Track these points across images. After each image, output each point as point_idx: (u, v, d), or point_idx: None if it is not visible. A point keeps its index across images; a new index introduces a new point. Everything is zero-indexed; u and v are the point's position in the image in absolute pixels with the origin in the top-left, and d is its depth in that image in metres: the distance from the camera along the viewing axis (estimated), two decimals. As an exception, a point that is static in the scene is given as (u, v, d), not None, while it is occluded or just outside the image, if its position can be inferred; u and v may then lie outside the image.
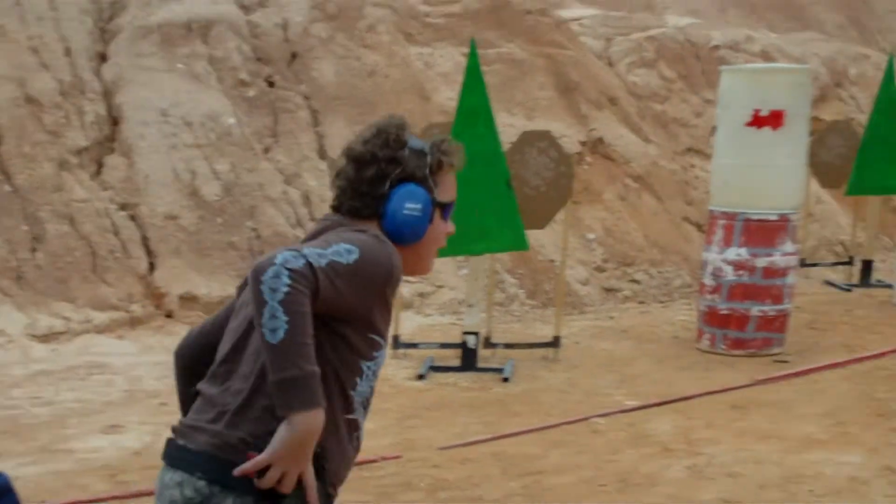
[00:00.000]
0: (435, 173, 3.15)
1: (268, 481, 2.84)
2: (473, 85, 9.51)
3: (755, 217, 10.10)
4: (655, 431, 8.18)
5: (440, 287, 12.15)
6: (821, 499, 6.86)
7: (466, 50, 9.91)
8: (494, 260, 10.92)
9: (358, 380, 3.05)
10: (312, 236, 3.11)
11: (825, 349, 10.52)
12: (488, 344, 10.13)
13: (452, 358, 9.89)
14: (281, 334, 2.76)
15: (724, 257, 10.17)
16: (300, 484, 2.88)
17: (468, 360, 9.73)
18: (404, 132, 3.14)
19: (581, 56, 15.75)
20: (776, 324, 10.18)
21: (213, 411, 3.00)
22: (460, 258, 11.46)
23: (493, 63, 14.43)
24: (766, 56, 17.22)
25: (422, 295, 12.01)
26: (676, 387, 9.16)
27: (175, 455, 3.01)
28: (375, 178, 3.09)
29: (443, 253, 9.73)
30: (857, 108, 16.75)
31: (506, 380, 9.47)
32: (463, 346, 9.78)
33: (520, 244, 9.76)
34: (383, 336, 3.07)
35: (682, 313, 12.19)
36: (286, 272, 2.77)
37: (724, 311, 10.18)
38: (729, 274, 10.14)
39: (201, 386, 3.09)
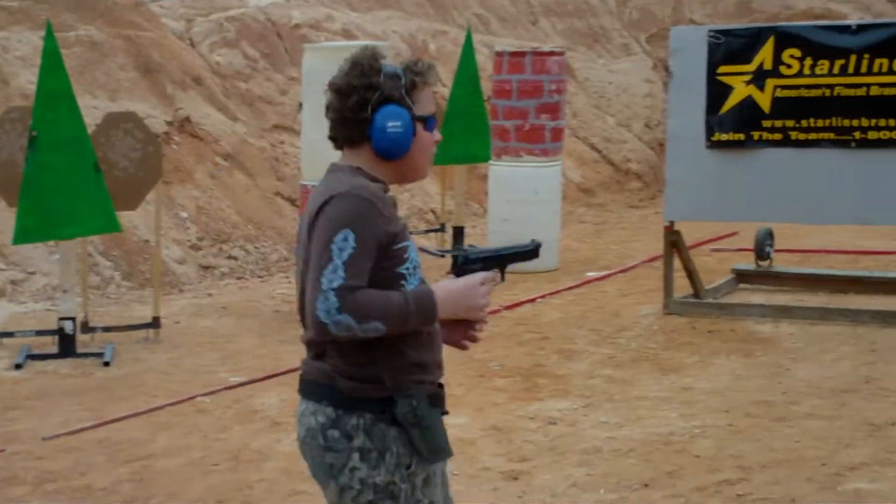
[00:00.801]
0: (411, 92, 3.52)
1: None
2: (52, 68, 9.29)
3: (348, 189, 10.14)
4: (263, 406, 8.11)
5: (32, 273, 11.68)
6: (432, 459, 6.94)
7: (43, 33, 9.58)
8: (87, 243, 10.58)
9: (404, 283, 3.50)
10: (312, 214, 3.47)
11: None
12: (86, 329, 9.79)
13: (50, 345, 9.48)
14: (385, 328, 3.36)
15: (320, 229, 10.16)
16: (412, 415, 3.44)
17: (67, 347, 9.39)
18: (377, 60, 3.52)
19: (162, 37, 15.47)
20: (376, 293, 10.24)
21: (312, 351, 3.58)
22: (51, 243, 11.03)
23: (72, 46, 13.98)
24: (347, 34, 17.37)
25: (14, 282, 11.52)
26: (282, 361, 9.09)
27: (303, 388, 3.60)
28: (357, 105, 3.49)
29: (29, 238, 9.38)
30: (439, 82, 17.12)
31: (107, 364, 9.20)
32: (60, 332, 9.41)
33: (111, 226, 9.58)
34: (402, 237, 3.52)
35: (282, 287, 12.12)
36: (336, 313, 3.33)
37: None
38: (326, 246, 10.13)
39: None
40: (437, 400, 3.59)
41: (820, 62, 10.10)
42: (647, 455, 6.96)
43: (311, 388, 3.57)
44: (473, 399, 8.15)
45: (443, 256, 12.59)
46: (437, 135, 3.63)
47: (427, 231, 14.09)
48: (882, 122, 9.92)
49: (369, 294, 3.36)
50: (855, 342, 9.34)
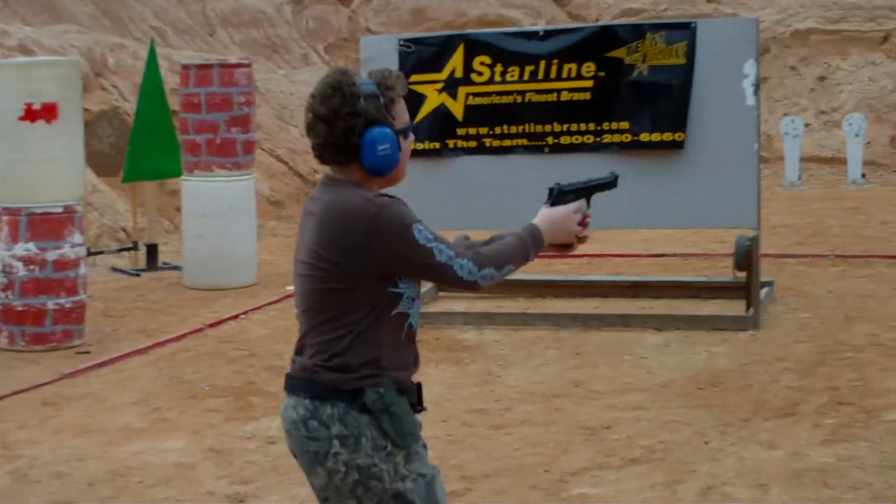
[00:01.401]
0: (389, 109, 3.72)
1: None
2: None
3: (39, 210, 9.79)
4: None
5: None
6: (151, 489, 6.74)
7: None
8: None
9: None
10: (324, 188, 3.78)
11: (125, 336, 10.36)
12: None
13: None
14: (515, 267, 3.82)
15: (12, 253, 9.76)
16: (380, 401, 3.66)
17: None
18: (355, 84, 3.70)
19: None
20: (73, 315, 9.90)
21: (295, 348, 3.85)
22: None
23: None
24: (24, 50, 16.70)
25: None
26: None
27: (287, 384, 3.83)
28: (345, 132, 3.68)
29: None
30: (121, 96, 16.69)
31: None
32: None
33: None
34: None
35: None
36: (478, 271, 3.72)
37: (20, 308, 9.76)
38: (20, 270, 9.73)
39: None
40: (406, 391, 3.78)
41: (510, 69, 10.25)
42: (371, 470, 6.89)
43: (293, 384, 3.80)
44: (188, 422, 7.93)
45: (138, 275, 12.31)
46: (411, 138, 3.86)
47: (120, 250, 13.70)
48: (574, 128, 10.16)
49: (490, 248, 3.81)
50: (559, 346, 9.54)
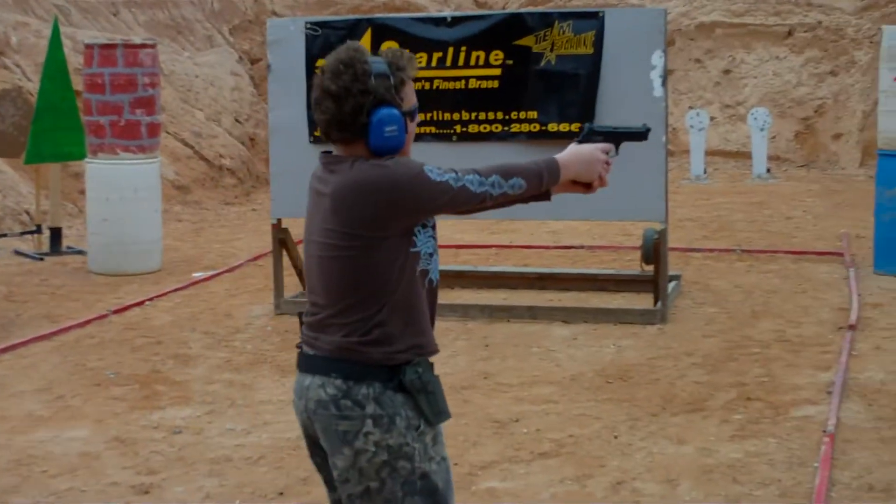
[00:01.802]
0: (398, 90, 3.73)
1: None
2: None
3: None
4: None
5: None
6: (54, 479, 6.61)
7: None
8: None
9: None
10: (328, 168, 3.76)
11: (27, 322, 10.18)
12: None
13: None
14: (525, 184, 3.82)
15: (-90, 235, 9.56)
16: (419, 381, 3.70)
17: None
18: (367, 63, 3.67)
19: None
20: (-25, 301, 9.71)
21: (315, 326, 3.84)
22: None
23: None
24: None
25: None
26: None
27: (307, 362, 3.83)
28: (354, 111, 3.66)
29: None
30: (24, 76, 16.38)
31: None
32: None
33: None
34: None
35: None
36: (485, 180, 3.76)
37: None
38: (-82, 252, 9.53)
39: None
40: (433, 367, 3.82)
41: (418, 55, 10.11)
42: (279, 462, 6.82)
43: (315, 363, 3.80)
44: (92, 410, 7.79)
45: (42, 259, 12.09)
46: (417, 119, 3.86)
47: (23, 233, 13.46)
48: (482, 116, 10.10)
49: (498, 163, 3.84)
50: (468, 337, 9.50)
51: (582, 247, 13.22)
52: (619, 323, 9.81)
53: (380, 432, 3.68)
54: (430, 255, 3.81)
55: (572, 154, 3.96)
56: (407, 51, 3.89)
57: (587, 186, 4.01)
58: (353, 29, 10.30)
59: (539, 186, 3.87)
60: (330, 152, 3.83)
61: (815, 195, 17.04)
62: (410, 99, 3.79)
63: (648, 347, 9.15)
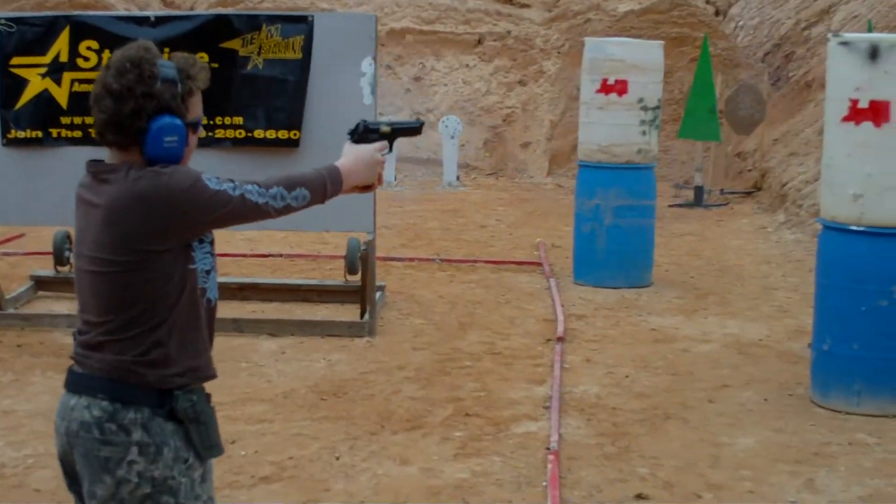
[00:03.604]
0: (185, 99, 3.53)
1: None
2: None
3: None
4: None
5: None
6: None
7: None
8: None
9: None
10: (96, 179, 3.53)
11: None
12: None
13: None
14: (310, 195, 3.70)
15: None
16: (192, 409, 3.52)
17: None
18: (156, 65, 3.49)
19: None
20: None
21: (86, 343, 3.60)
22: None
23: None
24: None
25: None
26: None
27: (74, 381, 3.58)
28: (133, 113, 3.46)
29: None
30: None
31: None
32: None
33: None
34: None
35: None
36: (266, 192, 3.61)
37: None
38: None
39: None
40: (209, 397, 3.65)
41: (118, 57, 9.70)
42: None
43: (83, 382, 3.56)
44: None
45: None
46: (200, 131, 3.68)
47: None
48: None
49: (280, 174, 3.70)
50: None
51: (280, 255, 12.91)
52: (327, 335, 9.57)
53: (145, 462, 3.47)
54: (208, 272, 3.65)
55: (353, 159, 3.88)
56: (201, 60, 3.69)
57: (365, 188, 3.94)
58: (50, 26, 9.75)
59: (323, 196, 3.77)
60: (98, 161, 3.59)
61: (506, 203, 17.17)
62: (196, 110, 3.63)
63: (359, 361, 8.94)
